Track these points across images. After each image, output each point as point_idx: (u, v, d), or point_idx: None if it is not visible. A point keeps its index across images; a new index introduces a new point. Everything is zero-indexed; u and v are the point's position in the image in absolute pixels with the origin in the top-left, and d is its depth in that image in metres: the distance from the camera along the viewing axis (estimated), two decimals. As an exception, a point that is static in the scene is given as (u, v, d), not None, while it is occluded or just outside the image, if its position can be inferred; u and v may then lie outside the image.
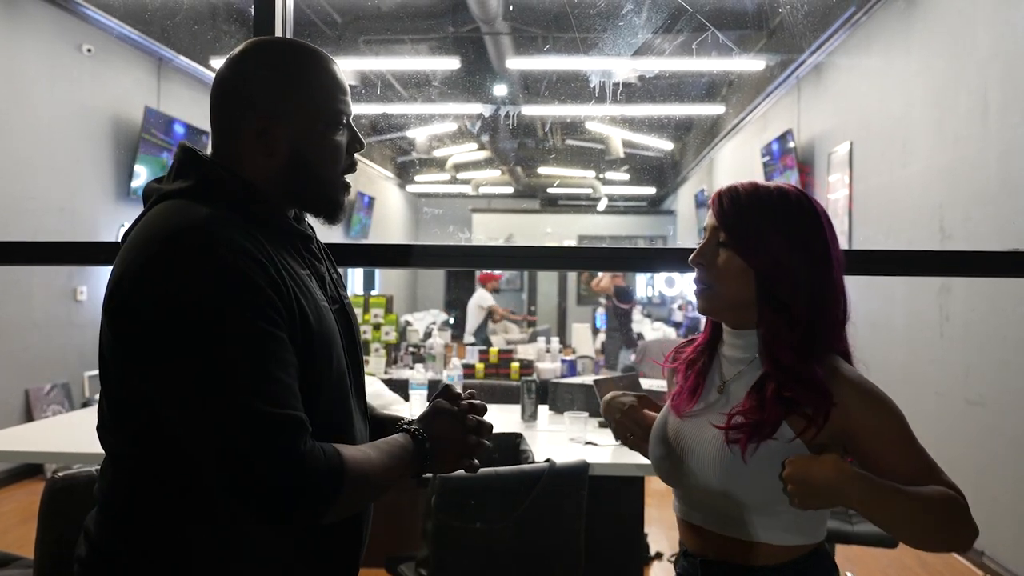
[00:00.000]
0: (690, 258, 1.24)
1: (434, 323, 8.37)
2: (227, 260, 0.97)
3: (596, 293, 8.87)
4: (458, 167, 11.22)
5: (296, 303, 1.04)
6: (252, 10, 1.55)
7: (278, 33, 1.59)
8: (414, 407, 3.14)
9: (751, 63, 6.55)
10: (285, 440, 0.95)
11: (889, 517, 1.08)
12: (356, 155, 1.19)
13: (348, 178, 1.20)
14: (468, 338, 8.21)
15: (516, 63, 6.62)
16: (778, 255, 1.17)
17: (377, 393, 3.47)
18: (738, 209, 1.20)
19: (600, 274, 8.24)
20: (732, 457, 1.15)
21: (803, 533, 1.18)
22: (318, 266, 1.19)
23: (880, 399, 1.15)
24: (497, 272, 8.96)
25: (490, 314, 8.47)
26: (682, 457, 1.23)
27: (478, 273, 8.85)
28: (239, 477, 0.95)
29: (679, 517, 1.28)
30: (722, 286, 1.21)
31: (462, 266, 1.89)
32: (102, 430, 1.09)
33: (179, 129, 6.55)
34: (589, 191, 13.21)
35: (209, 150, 1.15)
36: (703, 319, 1.34)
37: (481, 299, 8.51)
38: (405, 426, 1.16)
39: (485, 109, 7.90)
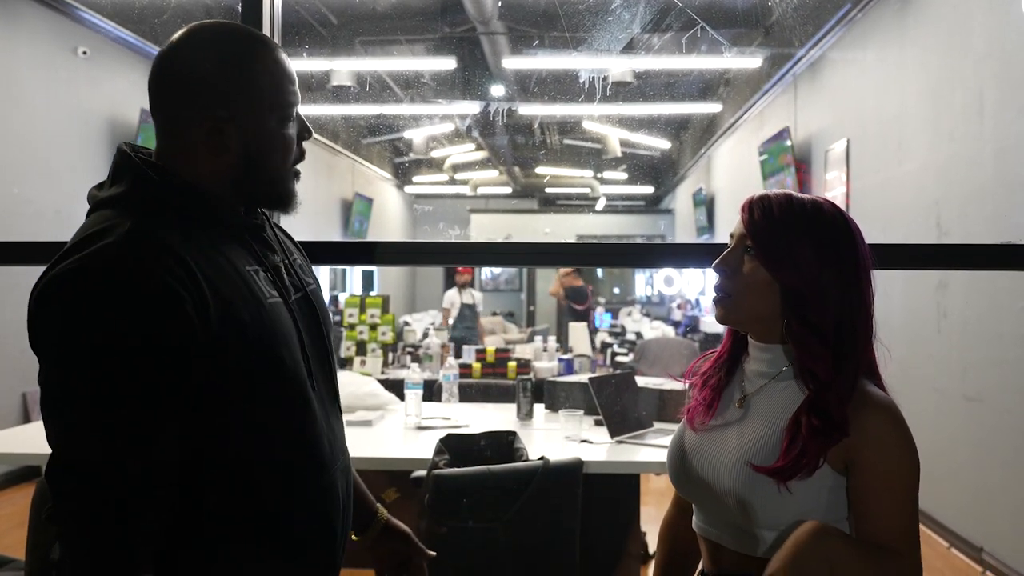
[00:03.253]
0: (713, 264, 1.20)
1: (432, 323, 8.36)
2: (124, 298, 0.95)
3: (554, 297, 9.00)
4: (456, 168, 11.22)
5: (228, 313, 1.01)
6: (240, 8, 1.55)
7: (265, 31, 1.58)
8: (409, 406, 3.14)
9: (747, 60, 6.56)
10: (113, 540, 0.94)
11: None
12: (308, 141, 1.17)
13: (300, 166, 1.18)
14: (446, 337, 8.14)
15: (512, 62, 6.62)
16: (807, 273, 1.13)
17: (372, 392, 3.47)
18: (769, 220, 1.15)
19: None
20: (748, 474, 1.12)
21: None
22: (272, 257, 1.16)
23: (904, 437, 1.11)
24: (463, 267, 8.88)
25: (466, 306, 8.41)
26: (698, 472, 1.20)
27: None
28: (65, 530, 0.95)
29: (698, 534, 1.24)
30: (744, 297, 1.17)
31: (457, 263, 1.88)
32: None
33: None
34: (587, 191, 13.22)
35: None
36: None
37: (445, 299, 8.43)
38: None
39: (480, 107, 7.90)
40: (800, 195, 1.18)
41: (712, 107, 8.54)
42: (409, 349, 5.28)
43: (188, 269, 0.99)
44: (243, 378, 1.03)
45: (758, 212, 1.17)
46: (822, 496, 1.11)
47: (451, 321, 8.12)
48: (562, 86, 7.13)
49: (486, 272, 14.06)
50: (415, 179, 13.34)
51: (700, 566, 1.26)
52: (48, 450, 0.96)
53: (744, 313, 1.19)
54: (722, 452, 1.17)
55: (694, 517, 1.26)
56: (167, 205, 1.05)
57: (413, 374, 3.31)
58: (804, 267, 1.13)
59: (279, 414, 1.08)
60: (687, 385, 1.34)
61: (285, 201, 1.16)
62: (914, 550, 1.09)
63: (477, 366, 4.51)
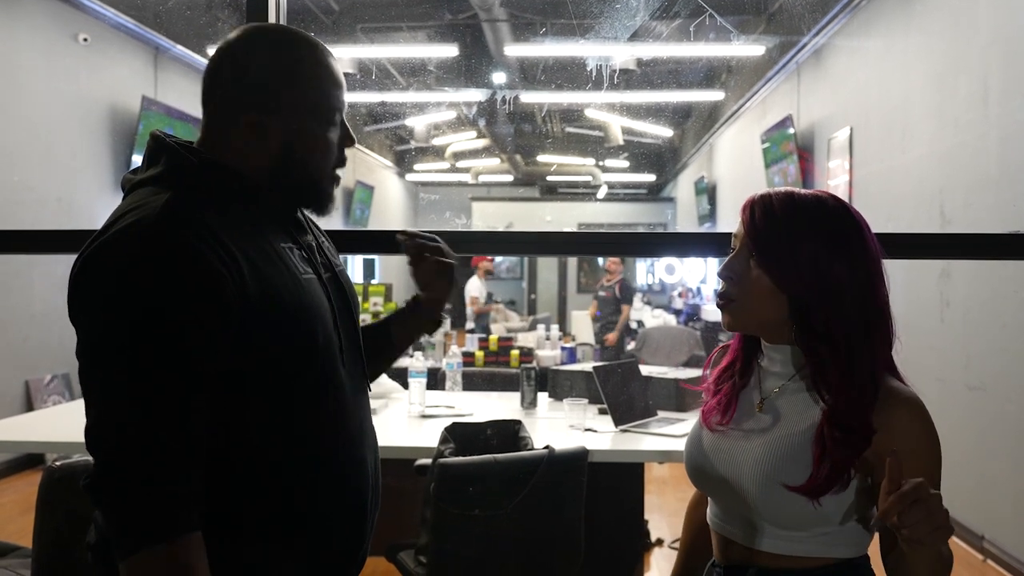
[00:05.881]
0: (717, 271, 1.17)
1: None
2: (169, 260, 0.97)
3: (611, 273, 8.55)
4: (457, 155, 11.19)
5: (264, 285, 1.03)
6: (245, -4, 1.54)
7: (270, 18, 1.57)
8: (412, 395, 3.14)
9: (750, 48, 6.53)
10: (151, 463, 0.95)
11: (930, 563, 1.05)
12: (350, 148, 1.19)
13: (340, 171, 1.20)
14: (469, 324, 8.17)
15: (514, 50, 6.59)
16: (812, 279, 1.08)
17: (376, 381, 3.46)
18: (771, 223, 1.11)
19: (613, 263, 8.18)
20: (771, 480, 1.10)
21: (846, 548, 1.12)
22: (304, 236, 1.18)
23: (930, 431, 1.10)
24: (489, 255, 8.92)
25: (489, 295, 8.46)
26: (720, 473, 1.17)
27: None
28: (97, 470, 0.96)
29: (713, 529, 1.23)
30: (750, 302, 1.13)
31: (463, 252, 1.87)
32: None
33: (177, 119, 6.53)
34: (589, 179, 13.19)
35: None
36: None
37: (471, 287, 8.51)
38: None
39: (482, 95, 7.87)
40: (802, 192, 1.14)
41: (715, 95, 8.51)
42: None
43: (223, 243, 1.01)
44: (278, 351, 1.05)
45: (759, 214, 1.12)
46: (851, 499, 1.10)
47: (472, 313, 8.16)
48: (568, 74, 7.10)
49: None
50: (416, 167, 13.31)
51: (712, 559, 1.25)
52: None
53: (751, 319, 1.16)
54: (745, 457, 1.14)
55: (709, 509, 1.25)
56: (202, 184, 1.07)
57: (416, 362, 3.31)
58: (809, 273, 1.09)
59: (312, 388, 1.10)
60: (702, 386, 1.31)
61: (321, 203, 1.18)
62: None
63: (480, 354, 4.51)
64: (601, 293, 8.05)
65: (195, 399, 0.98)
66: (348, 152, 1.19)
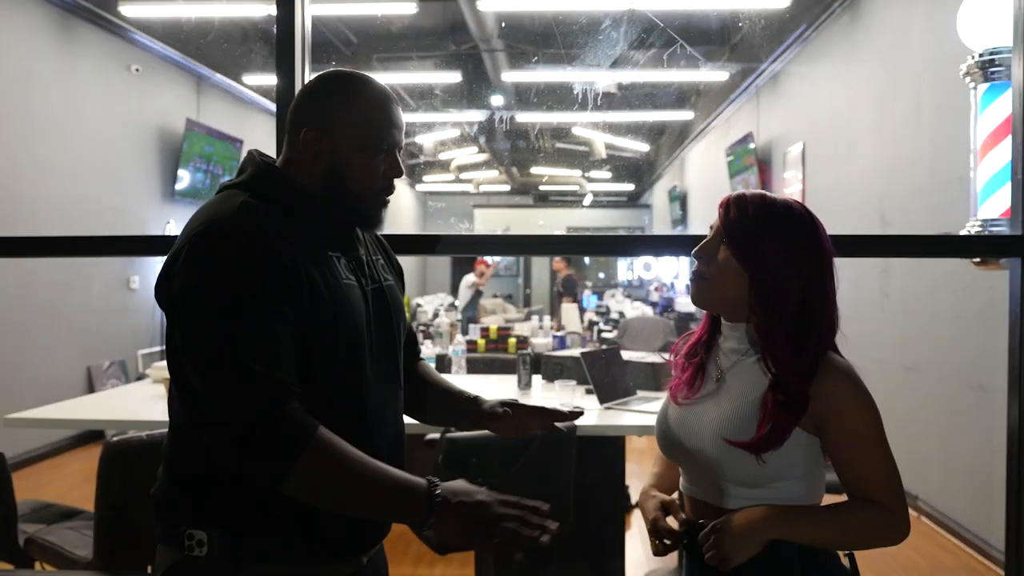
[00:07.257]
0: (693, 251, 1.19)
1: (441, 305, 8.35)
2: (243, 245, 1.02)
3: (559, 272, 8.86)
4: (461, 168, 11.16)
5: (309, 279, 1.06)
6: (275, 30, 1.54)
7: (297, 50, 1.57)
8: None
9: (716, 74, 6.51)
10: (265, 396, 0.97)
11: (811, 540, 1.10)
12: (397, 179, 1.21)
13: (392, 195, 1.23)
14: (457, 315, 8.17)
15: (510, 76, 6.57)
16: (773, 266, 1.12)
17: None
18: (743, 218, 1.14)
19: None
20: (727, 446, 1.11)
21: (799, 500, 1.13)
22: (356, 250, 1.19)
23: (860, 393, 1.11)
24: (488, 260, 8.95)
25: (478, 292, 8.49)
26: (682, 442, 1.19)
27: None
28: (220, 424, 0.98)
29: (685, 494, 1.23)
30: (717, 281, 1.16)
31: (468, 253, 1.88)
32: (170, 401, 1.13)
33: (217, 138, 6.51)
34: (576, 188, 13.17)
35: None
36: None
37: (468, 281, 8.51)
38: (430, 479, 1.03)
39: (483, 115, 7.86)
40: (773, 195, 1.17)
41: (685, 114, 8.48)
42: (421, 327, 5.27)
43: (284, 240, 1.05)
44: (312, 340, 1.06)
45: (734, 210, 1.15)
46: (796, 455, 1.11)
47: (467, 302, 8.17)
48: (557, 97, 7.08)
49: (486, 259, 14.07)
50: (425, 179, 13.27)
51: (684, 516, 1.25)
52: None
53: (716, 294, 1.18)
54: (702, 423, 1.17)
55: (681, 479, 1.25)
56: (272, 194, 1.11)
57: (425, 349, 3.31)
58: (771, 261, 1.12)
59: (336, 376, 1.10)
60: (669, 361, 1.32)
61: (366, 222, 1.20)
62: (896, 501, 1.10)
63: (482, 342, 4.50)
64: (556, 289, 8.36)
65: (286, 324, 1.03)
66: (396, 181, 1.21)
